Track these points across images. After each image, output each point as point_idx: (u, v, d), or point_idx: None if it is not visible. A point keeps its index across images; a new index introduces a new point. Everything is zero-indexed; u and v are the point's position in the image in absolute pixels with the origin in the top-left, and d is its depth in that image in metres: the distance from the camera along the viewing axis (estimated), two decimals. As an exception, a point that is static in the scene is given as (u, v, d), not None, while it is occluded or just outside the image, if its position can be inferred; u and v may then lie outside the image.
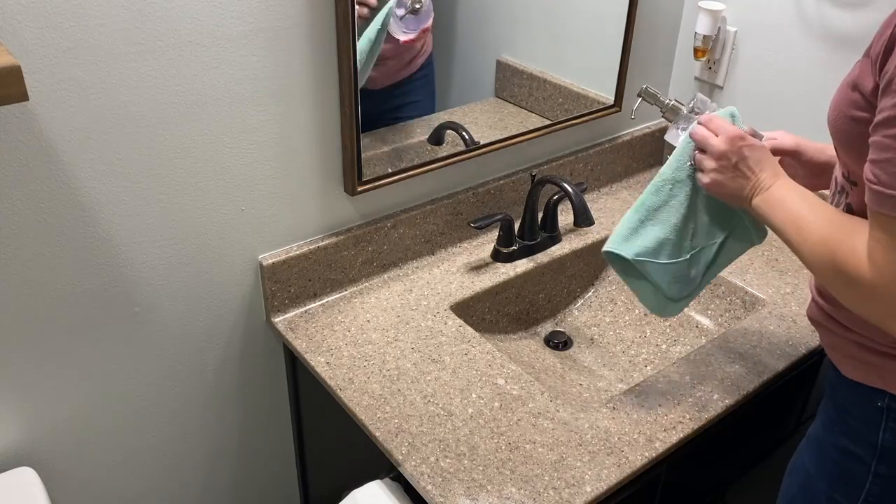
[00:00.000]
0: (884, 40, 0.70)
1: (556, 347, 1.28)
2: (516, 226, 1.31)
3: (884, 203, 0.69)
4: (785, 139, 0.98)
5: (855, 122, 0.75)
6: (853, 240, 0.74)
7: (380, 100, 1.17)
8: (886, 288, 0.71)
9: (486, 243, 1.34)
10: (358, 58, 1.05)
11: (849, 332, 0.84)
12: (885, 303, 0.72)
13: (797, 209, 0.82)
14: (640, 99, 1.03)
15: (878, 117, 0.69)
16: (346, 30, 1.02)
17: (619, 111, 1.47)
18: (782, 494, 0.97)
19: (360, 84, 1.08)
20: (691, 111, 0.99)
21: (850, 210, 0.82)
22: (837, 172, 0.85)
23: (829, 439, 0.88)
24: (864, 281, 0.73)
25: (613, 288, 1.38)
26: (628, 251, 0.93)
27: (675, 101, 1.01)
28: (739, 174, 0.88)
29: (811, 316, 0.91)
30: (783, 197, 0.84)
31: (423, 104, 1.26)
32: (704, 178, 0.91)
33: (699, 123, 0.92)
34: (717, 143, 0.89)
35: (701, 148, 0.91)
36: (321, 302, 1.20)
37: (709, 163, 0.90)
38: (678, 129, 1.00)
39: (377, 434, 0.97)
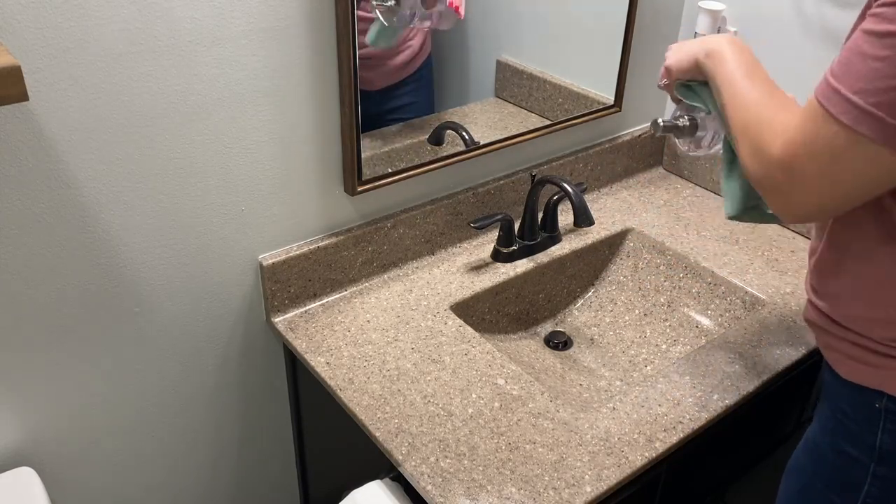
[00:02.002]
0: None
1: (556, 347, 1.28)
2: (516, 226, 1.31)
3: (823, 93, 0.69)
4: None
5: None
6: (777, 114, 0.75)
7: (378, 101, 1.17)
8: (785, 166, 0.72)
9: (486, 243, 1.34)
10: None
11: (846, 332, 0.83)
12: (776, 176, 0.74)
13: (737, 70, 0.84)
14: (662, 131, 1.03)
15: (861, 23, 0.69)
16: (346, 30, 1.02)
17: (619, 111, 1.47)
18: (780, 497, 0.97)
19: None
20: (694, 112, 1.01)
21: None
22: None
23: (826, 441, 0.88)
24: (772, 153, 0.74)
25: (613, 288, 1.38)
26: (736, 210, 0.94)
27: (685, 116, 1.02)
28: (694, 43, 0.94)
29: (808, 318, 0.91)
30: (729, 58, 0.86)
31: (421, 105, 1.26)
32: (667, 62, 0.99)
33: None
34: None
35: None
36: (321, 302, 1.20)
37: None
38: (691, 139, 1.00)
39: (377, 434, 0.97)
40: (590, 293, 1.38)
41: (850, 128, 0.66)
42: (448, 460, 0.93)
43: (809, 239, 1.40)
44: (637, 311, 1.34)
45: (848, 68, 0.67)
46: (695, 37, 1.43)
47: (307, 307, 1.19)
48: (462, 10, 1.16)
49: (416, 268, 1.28)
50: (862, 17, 0.73)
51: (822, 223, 0.85)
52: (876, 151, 0.66)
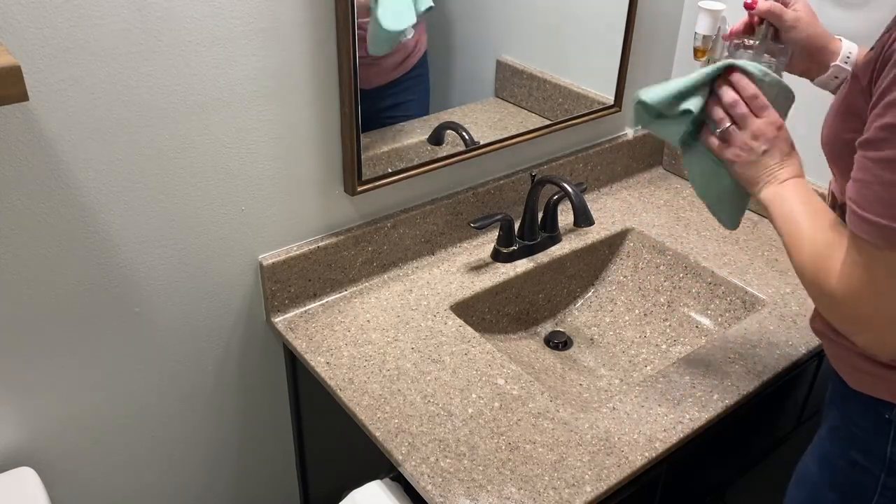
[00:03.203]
0: (876, 57, 0.69)
1: (556, 347, 1.28)
2: (516, 226, 1.31)
3: (857, 225, 0.68)
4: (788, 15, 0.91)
5: (849, 144, 0.74)
6: (833, 253, 0.73)
7: (374, 99, 1.17)
8: (852, 306, 0.71)
9: (486, 243, 1.34)
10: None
11: (854, 344, 0.80)
12: (851, 319, 0.73)
13: (798, 212, 0.80)
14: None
15: (864, 135, 0.68)
16: (346, 30, 1.02)
17: (619, 111, 1.47)
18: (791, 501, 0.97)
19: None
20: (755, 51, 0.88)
21: None
22: (835, 190, 0.83)
23: (836, 450, 0.88)
24: (835, 295, 0.73)
25: (613, 288, 1.38)
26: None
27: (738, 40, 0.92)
28: (761, 164, 0.83)
29: (815, 328, 0.89)
30: (789, 196, 0.81)
31: (417, 103, 1.26)
32: (726, 153, 0.84)
33: (731, 87, 0.83)
34: (757, 126, 0.82)
35: (731, 115, 0.83)
36: (321, 302, 1.20)
37: (738, 139, 0.83)
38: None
39: (377, 434, 0.97)
40: (590, 293, 1.38)
41: None
42: (448, 460, 0.93)
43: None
44: (637, 311, 1.34)
45: (875, 197, 0.66)
46: (695, 37, 1.44)
47: (307, 307, 1.19)
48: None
49: (416, 268, 1.28)
50: (856, 85, 0.73)
51: None
52: None
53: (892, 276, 0.67)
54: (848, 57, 0.92)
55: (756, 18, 0.93)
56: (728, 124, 0.84)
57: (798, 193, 0.81)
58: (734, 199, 0.91)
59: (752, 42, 0.91)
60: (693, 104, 0.85)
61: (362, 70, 1.08)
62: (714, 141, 0.86)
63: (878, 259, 0.67)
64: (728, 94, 0.84)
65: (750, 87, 0.83)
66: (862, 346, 0.77)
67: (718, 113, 0.84)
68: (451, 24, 1.25)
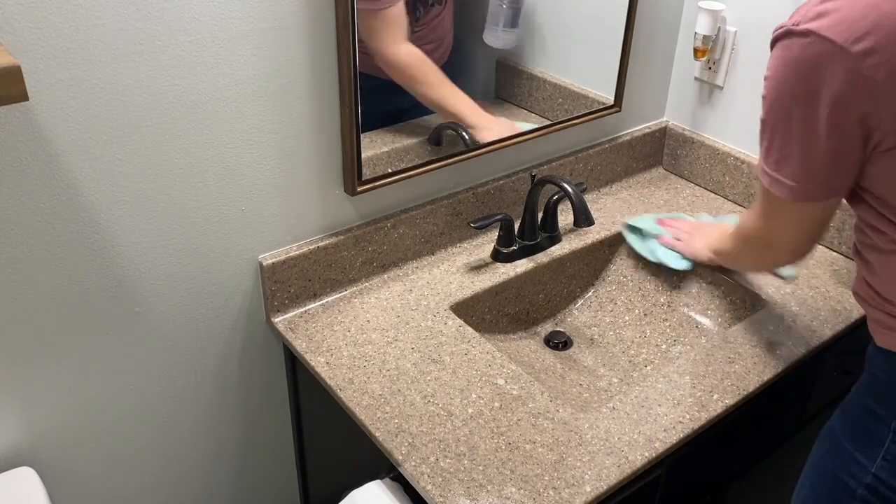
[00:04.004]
0: None
1: (556, 347, 1.28)
2: (516, 226, 1.31)
3: (759, 171, 0.89)
4: None
5: None
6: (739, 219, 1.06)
7: (404, 91, 1.19)
8: (750, 238, 1.02)
9: (486, 243, 1.34)
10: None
11: (883, 303, 0.89)
12: (747, 249, 1.06)
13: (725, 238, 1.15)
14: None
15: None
16: (346, 30, 1.02)
17: (619, 111, 1.47)
18: (810, 458, 1.01)
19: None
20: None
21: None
22: None
23: (858, 400, 0.93)
24: (740, 232, 1.05)
25: (613, 288, 1.38)
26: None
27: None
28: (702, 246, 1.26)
29: (854, 290, 0.96)
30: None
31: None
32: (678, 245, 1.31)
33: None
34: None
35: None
36: (321, 302, 1.20)
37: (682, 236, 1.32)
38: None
39: (377, 434, 0.97)
40: (590, 293, 1.38)
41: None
42: (448, 460, 0.93)
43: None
44: (637, 311, 1.33)
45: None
46: (695, 37, 1.44)
47: (307, 307, 1.19)
48: None
49: (416, 268, 1.28)
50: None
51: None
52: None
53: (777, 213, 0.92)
54: None
55: None
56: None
57: (718, 238, 1.20)
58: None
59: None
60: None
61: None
62: (674, 242, 1.32)
63: (765, 194, 0.90)
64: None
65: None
66: (778, 262, 1.11)
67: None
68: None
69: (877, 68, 0.73)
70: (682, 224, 1.34)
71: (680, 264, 1.30)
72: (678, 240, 1.31)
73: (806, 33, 0.76)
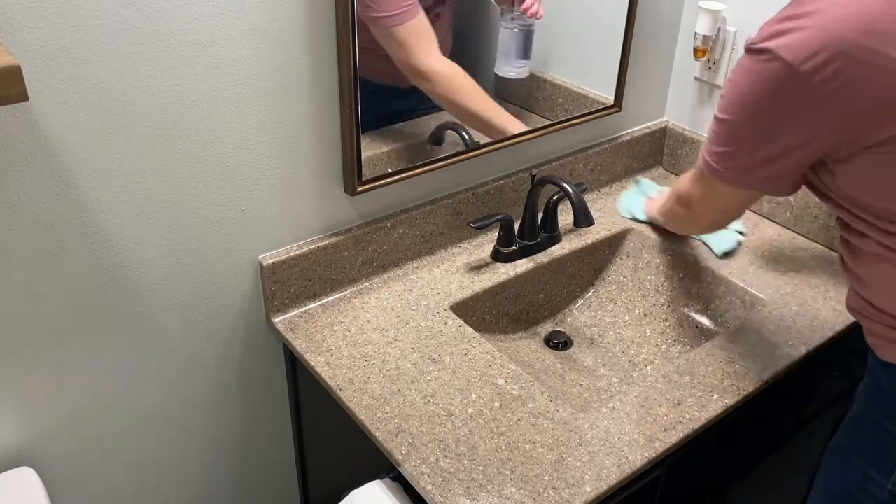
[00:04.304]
0: None
1: (556, 347, 1.28)
2: (516, 226, 1.31)
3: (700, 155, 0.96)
4: None
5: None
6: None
7: (405, 96, 1.19)
8: (678, 196, 1.12)
9: (486, 243, 1.34)
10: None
11: (881, 315, 0.89)
12: (674, 207, 1.14)
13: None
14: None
15: None
16: (346, 30, 1.02)
17: (619, 111, 1.47)
18: (821, 473, 1.01)
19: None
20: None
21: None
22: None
23: (867, 417, 0.94)
24: (673, 191, 1.16)
25: (613, 288, 1.38)
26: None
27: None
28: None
29: (849, 305, 0.97)
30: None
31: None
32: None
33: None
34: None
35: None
36: (321, 302, 1.20)
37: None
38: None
39: (377, 434, 0.97)
40: (590, 293, 1.38)
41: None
42: (448, 460, 0.93)
43: (809, 239, 1.40)
44: (637, 311, 1.33)
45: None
46: (695, 37, 1.44)
47: (307, 307, 1.19)
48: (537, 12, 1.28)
49: (416, 268, 1.28)
50: None
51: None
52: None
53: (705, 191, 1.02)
54: None
55: None
56: None
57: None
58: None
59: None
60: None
61: (396, 70, 1.08)
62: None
63: (705, 175, 0.97)
64: None
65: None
66: (688, 226, 1.19)
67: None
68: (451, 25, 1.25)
69: (825, 84, 0.77)
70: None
71: (640, 216, 1.43)
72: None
73: (765, 50, 0.80)
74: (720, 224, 1.12)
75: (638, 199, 1.46)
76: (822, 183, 0.89)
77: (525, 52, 1.35)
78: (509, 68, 1.35)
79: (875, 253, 0.87)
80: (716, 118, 0.90)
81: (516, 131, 1.29)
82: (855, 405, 0.98)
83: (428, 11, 1.15)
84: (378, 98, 1.13)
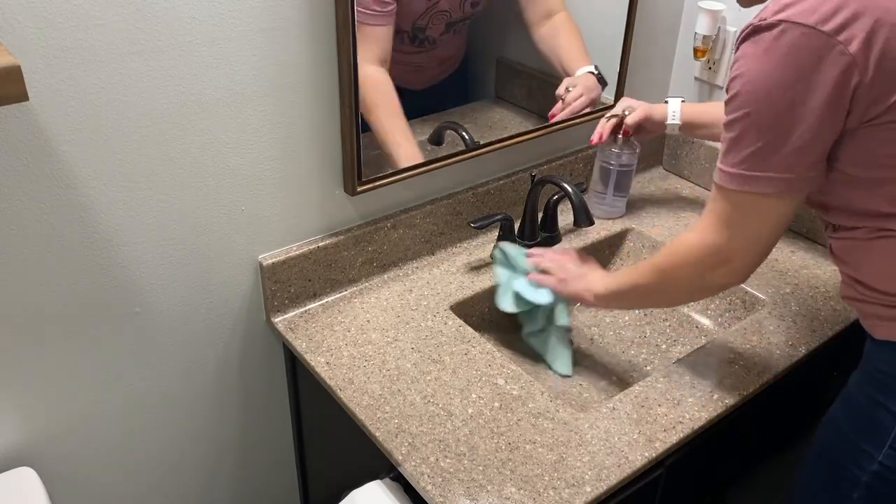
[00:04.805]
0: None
1: (556, 347, 1.28)
2: (516, 226, 1.31)
3: (715, 173, 0.88)
4: (636, 114, 1.31)
5: None
6: (674, 248, 0.97)
7: (423, 99, 1.20)
8: (716, 247, 0.91)
9: (486, 243, 1.34)
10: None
11: (875, 294, 0.90)
12: (716, 261, 0.92)
13: (627, 280, 1.05)
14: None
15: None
16: (346, 30, 1.02)
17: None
18: (813, 447, 1.02)
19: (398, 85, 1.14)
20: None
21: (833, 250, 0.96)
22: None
23: (861, 393, 0.94)
24: (695, 249, 0.93)
25: (613, 288, 1.38)
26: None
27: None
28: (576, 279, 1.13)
29: (844, 294, 0.97)
30: (612, 282, 1.07)
31: (459, 99, 1.32)
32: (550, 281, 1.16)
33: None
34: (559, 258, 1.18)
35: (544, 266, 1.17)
36: (321, 302, 1.20)
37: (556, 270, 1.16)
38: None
39: (377, 434, 0.97)
40: (590, 293, 1.38)
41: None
42: (448, 460, 0.93)
43: (809, 239, 1.40)
44: (637, 311, 1.33)
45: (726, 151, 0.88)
46: (695, 37, 1.44)
47: (307, 307, 1.19)
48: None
49: (416, 268, 1.28)
50: None
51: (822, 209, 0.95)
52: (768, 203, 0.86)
53: (744, 213, 0.87)
54: (674, 114, 1.31)
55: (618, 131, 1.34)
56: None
57: (614, 277, 1.08)
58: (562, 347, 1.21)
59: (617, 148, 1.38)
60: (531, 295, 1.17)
61: (410, 75, 1.10)
62: (543, 277, 1.16)
63: (732, 199, 0.87)
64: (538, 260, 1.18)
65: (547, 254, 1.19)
66: (725, 283, 0.96)
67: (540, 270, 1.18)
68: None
69: (849, 42, 0.75)
70: (550, 255, 1.19)
71: (542, 298, 1.15)
72: (553, 277, 1.16)
73: (776, 24, 0.78)
74: (757, 262, 0.92)
75: (513, 280, 1.18)
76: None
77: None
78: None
79: (865, 237, 0.88)
80: (730, 123, 0.84)
81: (407, 164, 1.21)
82: (850, 383, 0.99)
83: (445, 31, 1.20)
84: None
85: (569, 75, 1.35)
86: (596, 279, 1.10)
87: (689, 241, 0.94)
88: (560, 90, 1.35)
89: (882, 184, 0.84)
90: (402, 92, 1.15)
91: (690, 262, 0.94)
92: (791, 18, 0.76)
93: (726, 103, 0.84)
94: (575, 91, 1.36)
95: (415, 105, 1.19)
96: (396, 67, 1.13)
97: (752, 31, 0.80)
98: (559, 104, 1.36)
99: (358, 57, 1.04)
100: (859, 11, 0.75)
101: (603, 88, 1.40)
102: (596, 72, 1.36)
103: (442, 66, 1.28)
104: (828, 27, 0.75)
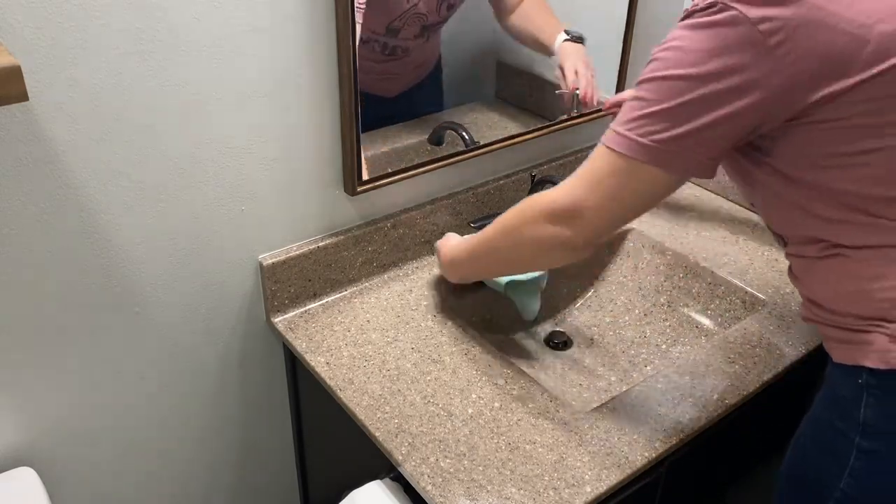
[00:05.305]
0: None
1: (556, 347, 1.28)
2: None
3: (605, 134, 0.85)
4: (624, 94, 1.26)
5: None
6: (531, 203, 0.92)
7: (392, 106, 1.20)
8: (550, 211, 0.89)
9: (486, 243, 1.34)
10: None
11: (832, 316, 0.89)
12: (533, 227, 0.91)
13: (476, 241, 1.05)
14: None
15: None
16: (346, 30, 1.02)
17: (619, 111, 1.47)
18: (784, 466, 1.01)
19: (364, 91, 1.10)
20: None
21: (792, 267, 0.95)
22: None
23: (823, 415, 0.93)
24: (547, 201, 0.90)
25: (613, 288, 1.38)
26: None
27: None
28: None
29: (803, 315, 0.96)
30: (459, 246, 1.10)
31: (434, 103, 1.30)
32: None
33: None
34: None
35: None
36: (321, 302, 1.20)
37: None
38: None
39: (377, 434, 0.97)
40: (590, 293, 1.38)
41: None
42: (448, 460, 0.93)
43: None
44: (637, 311, 1.34)
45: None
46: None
47: (307, 307, 1.19)
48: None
49: (416, 268, 1.28)
50: None
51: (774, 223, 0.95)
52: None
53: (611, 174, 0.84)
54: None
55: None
56: None
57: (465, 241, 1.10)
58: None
59: None
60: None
61: (382, 83, 1.09)
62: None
63: (610, 160, 0.84)
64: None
65: None
66: (569, 238, 0.89)
67: None
68: (451, 26, 1.25)
69: (773, 34, 0.74)
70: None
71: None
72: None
73: (713, 3, 0.77)
74: (606, 227, 0.88)
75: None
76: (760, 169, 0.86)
77: None
78: None
79: (816, 255, 0.87)
80: (637, 86, 0.82)
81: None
82: (815, 404, 0.97)
83: (420, 34, 1.18)
84: (375, 111, 1.15)
85: (548, 48, 1.32)
86: (449, 248, 1.12)
87: (542, 196, 0.91)
88: (563, 77, 1.33)
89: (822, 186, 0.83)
90: (374, 99, 1.14)
91: (536, 215, 0.91)
92: (727, 1, 0.76)
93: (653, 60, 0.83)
94: (572, 68, 1.33)
95: (387, 112, 1.19)
96: (368, 76, 1.12)
97: (692, 12, 0.80)
98: (574, 91, 1.33)
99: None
100: (789, 4, 0.74)
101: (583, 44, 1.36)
102: (569, 36, 1.33)
103: (416, 72, 1.27)
104: (754, 14, 0.74)
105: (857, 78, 0.75)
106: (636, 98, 0.82)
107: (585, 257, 0.92)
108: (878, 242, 0.83)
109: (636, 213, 0.88)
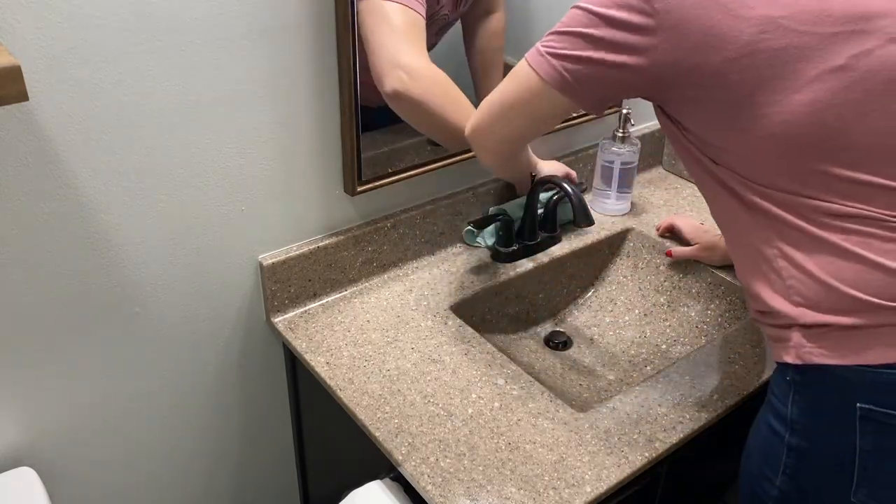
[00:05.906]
0: None
1: (556, 347, 1.28)
2: (516, 226, 1.31)
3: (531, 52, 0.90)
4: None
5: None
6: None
7: (382, 116, 1.18)
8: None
9: (486, 243, 1.34)
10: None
11: (763, 317, 0.90)
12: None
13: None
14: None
15: None
16: (346, 30, 1.02)
17: (619, 111, 1.47)
18: (740, 473, 1.01)
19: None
20: None
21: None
22: None
23: (762, 417, 0.94)
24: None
25: (613, 288, 1.38)
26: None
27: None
28: None
29: (753, 318, 0.97)
30: None
31: None
32: None
33: None
34: None
35: None
36: (321, 302, 1.20)
37: None
38: None
39: (377, 434, 0.97)
40: (590, 293, 1.38)
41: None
42: (448, 460, 0.93)
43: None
44: (637, 311, 1.34)
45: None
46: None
47: (307, 307, 1.19)
48: None
49: (416, 268, 1.28)
50: None
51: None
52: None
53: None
54: None
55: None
56: None
57: None
58: None
59: None
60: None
61: (369, 93, 1.08)
62: None
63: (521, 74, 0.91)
64: None
65: None
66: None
67: None
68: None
69: (665, 7, 0.78)
70: None
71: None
72: None
73: None
74: (486, 134, 0.98)
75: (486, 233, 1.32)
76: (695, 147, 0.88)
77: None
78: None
79: (753, 252, 0.88)
80: (565, 21, 0.87)
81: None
82: (761, 411, 0.98)
83: (437, 34, 1.17)
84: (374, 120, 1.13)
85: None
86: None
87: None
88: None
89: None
90: (375, 102, 1.09)
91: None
92: None
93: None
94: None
95: (388, 112, 1.14)
96: (362, 86, 1.08)
97: None
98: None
99: (404, 54, 0.99)
100: None
101: None
102: None
103: None
104: None
105: (733, 55, 0.78)
106: (563, 28, 0.87)
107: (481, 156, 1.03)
108: (777, 233, 0.84)
109: (516, 133, 0.97)
